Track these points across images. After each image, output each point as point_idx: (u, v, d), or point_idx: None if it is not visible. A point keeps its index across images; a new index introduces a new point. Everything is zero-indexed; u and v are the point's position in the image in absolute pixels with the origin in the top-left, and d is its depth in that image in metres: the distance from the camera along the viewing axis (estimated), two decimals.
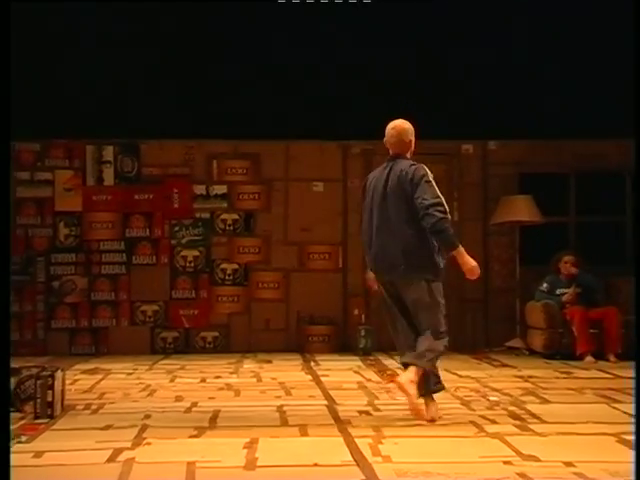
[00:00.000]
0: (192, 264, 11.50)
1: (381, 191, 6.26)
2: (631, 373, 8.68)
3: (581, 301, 10.40)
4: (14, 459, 4.24)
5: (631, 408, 6.35)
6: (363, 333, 10.92)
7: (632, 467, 4.14)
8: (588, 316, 10.15)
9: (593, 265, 10.81)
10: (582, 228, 11.66)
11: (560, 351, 10.19)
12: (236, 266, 11.57)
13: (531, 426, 5.69)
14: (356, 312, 11.38)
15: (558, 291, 10.51)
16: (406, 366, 6.05)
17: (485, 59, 11.12)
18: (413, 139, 6.51)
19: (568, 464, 4.54)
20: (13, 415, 5.83)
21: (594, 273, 10.68)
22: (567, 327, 10.19)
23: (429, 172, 6.26)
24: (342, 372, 9.08)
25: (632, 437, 4.93)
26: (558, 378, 8.44)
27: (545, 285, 10.53)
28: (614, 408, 6.45)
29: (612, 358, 9.90)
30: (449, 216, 6.13)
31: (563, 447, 5.02)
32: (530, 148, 11.66)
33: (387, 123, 6.61)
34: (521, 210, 11.00)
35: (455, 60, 11.13)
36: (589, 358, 9.88)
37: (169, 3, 10.68)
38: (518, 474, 4.37)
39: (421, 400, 5.98)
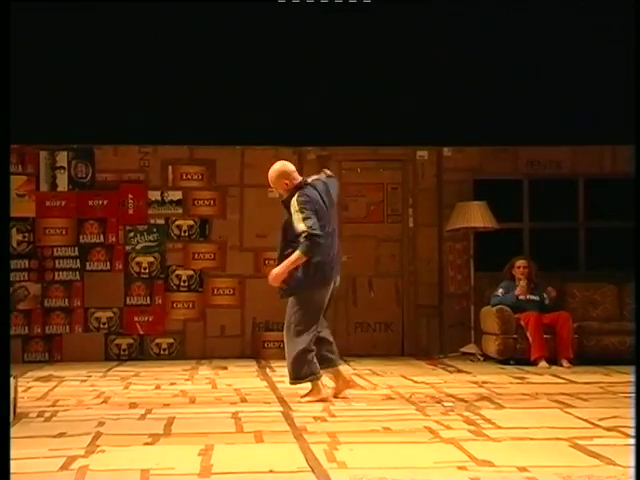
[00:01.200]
0: (147, 270, 11.44)
1: (328, 202, 7.21)
2: (584, 378, 8.78)
3: (535, 306, 10.48)
4: None
5: (584, 413, 6.41)
6: None
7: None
8: (542, 321, 10.22)
9: (547, 271, 10.91)
10: (536, 234, 11.75)
11: (514, 356, 10.27)
12: (191, 272, 11.53)
13: (485, 431, 5.71)
14: None
15: (513, 293, 10.59)
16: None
17: (440, 66, 11.18)
18: None
19: (522, 469, 4.56)
20: None
21: (547, 279, 10.79)
22: (521, 332, 10.26)
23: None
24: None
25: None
26: (512, 383, 8.49)
27: (500, 290, 10.60)
28: (567, 413, 6.50)
29: (565, 363, 9.98)
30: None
31: (517, 452, 5.05)
32: (485, 154, 11.74)
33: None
34: (476, 216, 11.06)
35: (410, 66, 11.18)
36: (543, 363, 9.96)
37: (130, 2, 10.60)
38: (472, 479, 4.38)
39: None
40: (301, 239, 6.90)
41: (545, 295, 10.59)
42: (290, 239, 7.09)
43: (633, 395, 6.89)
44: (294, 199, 7.00)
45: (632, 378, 7.94)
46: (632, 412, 6.12)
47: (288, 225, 7.10)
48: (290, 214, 7.03)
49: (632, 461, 4.35)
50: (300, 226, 6.90)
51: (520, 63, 11.20)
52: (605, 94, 11.02)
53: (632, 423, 5.69)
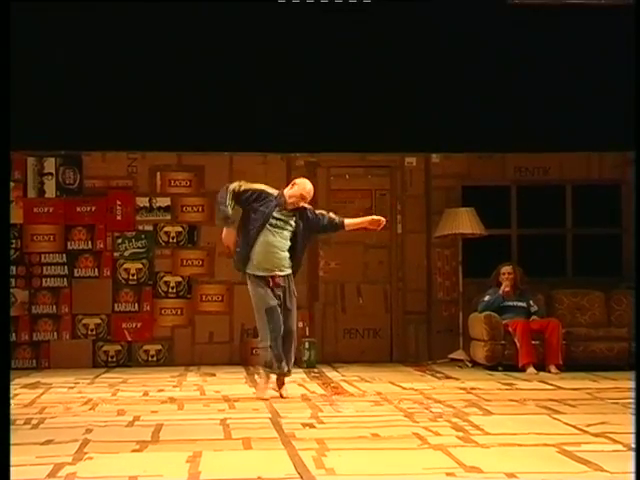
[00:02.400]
0: (135, 277, 11.42)
1: None
2: (572, 384, 8.80)
3: (521, 312, 10.51)
4: None
5: (572, 419, 6.43)
6: (307, 346, 10.91)
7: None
8: (530, 328, 10.24)
9: (535, 277, 10.94)
10: (524, 240, 11.77)
11: (502, 363, 10.27)
12: (179, 279, 11.52)
13: (474, 437, 5.72)
14: (300, 325, 11.37)
15: (502, 303, 10.60)
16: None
17: (428, 73, 11.19)
18: None
19: (510, 475, 4.57)
20: None
21: (535, 285, 10.83)
22: (509, 339, 10.27)
23: (234, 185, 7.90)
24: (286, 385, 9.05)
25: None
26: (500, 389, 8.50)
27: (487, 297, 10.61)
28: (555, 419, 6.51)
29: (553, 369, 9.99)
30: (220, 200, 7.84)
31: (505, 458, 5.06)
32: (472, 161, 11.76)
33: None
34: (464, 222, 11.07)
35: (398, 74, 11.19)
36: (531, 369, 9.97)
37: (118, 9, 10.57)
38: None
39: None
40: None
41: (532, 302, 10.62)
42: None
43: (634, 401, 6.90)
44: (309, 207, 8.00)
45: (633, 384, 7.96)
46: (632, 419, 6.14)
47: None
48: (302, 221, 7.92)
49: (632, 466, 4.36)
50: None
51: (509, 70, 11.22)
52: (592, 101, 11.05)
53: (632, 429, 5.69)
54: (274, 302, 7.76)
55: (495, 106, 11.19)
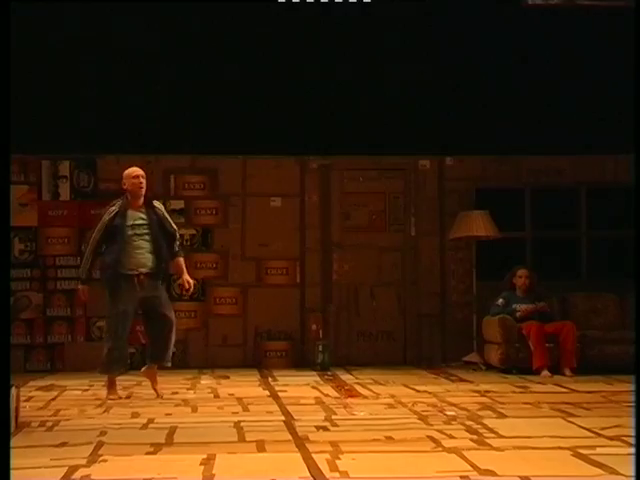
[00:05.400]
0: None
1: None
2: (587, 387, 8.77)
3: (536, 316, 10.47)
4: None
5: (586, 422, 6.41)
6: (321, 348, 10.92)
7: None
8: (544, 330, 10.22)
9: (549, 280, 10.91)
10: (538, 243, 11.75)
11: (516, 365, 10.25)
12: (193, 281, 11.50)
13: (488, 440, 5.71)
14: (314, 327, 11.39)
15: (514, 306, 10.58)
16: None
17: (442, 76, 11.19)
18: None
19: (524, 478, 4.56)
20: None
21: (549, 288, 10.81)
22: (523, 342, 10.25)
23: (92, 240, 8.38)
24: (300, 387, 9.07)
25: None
26: (514, 392, 8.49)
27: (500, 300, 10.58)
28: (570, 422, 6.50)
29: (568, 372, 9.97)
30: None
31: (519, 461, 5.05)
32: (486, 163, 11.74)
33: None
34: (478, 225, 11.06)
35: (411, 77, 11.18)
36: (545, 372, 9.95)
37: (131, 11, 10.60)
38: None
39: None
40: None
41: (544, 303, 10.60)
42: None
43: (634, 404, 6.88)
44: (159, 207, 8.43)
45: (633, 387, 7.93)
46: (633, 421, 6.12)
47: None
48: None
49: (632, 470, 4.35)
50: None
51: (523, 72, 11.21)
52: (607, 103, 11.03)
53: (632, 432, 5.68)
54: (128, 307, 8.27)
55: (509, 108, 11.17)
